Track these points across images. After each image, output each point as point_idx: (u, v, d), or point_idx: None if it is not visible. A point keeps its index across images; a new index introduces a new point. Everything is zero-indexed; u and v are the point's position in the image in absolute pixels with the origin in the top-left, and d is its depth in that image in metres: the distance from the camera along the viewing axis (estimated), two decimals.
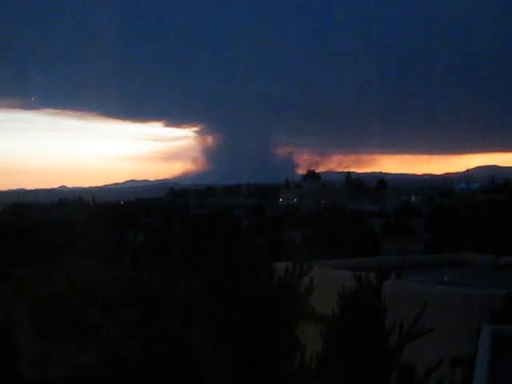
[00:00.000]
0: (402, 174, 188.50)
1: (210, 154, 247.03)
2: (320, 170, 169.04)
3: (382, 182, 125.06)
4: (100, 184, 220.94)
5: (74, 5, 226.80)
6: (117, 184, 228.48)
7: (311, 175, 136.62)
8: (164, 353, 11.81)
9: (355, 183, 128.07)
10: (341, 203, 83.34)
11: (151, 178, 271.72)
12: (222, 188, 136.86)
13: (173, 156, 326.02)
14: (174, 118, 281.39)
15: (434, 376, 11.53)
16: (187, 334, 11.97)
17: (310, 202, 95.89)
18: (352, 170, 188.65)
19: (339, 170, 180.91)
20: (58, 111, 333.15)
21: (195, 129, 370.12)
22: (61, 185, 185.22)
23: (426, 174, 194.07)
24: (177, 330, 12.00)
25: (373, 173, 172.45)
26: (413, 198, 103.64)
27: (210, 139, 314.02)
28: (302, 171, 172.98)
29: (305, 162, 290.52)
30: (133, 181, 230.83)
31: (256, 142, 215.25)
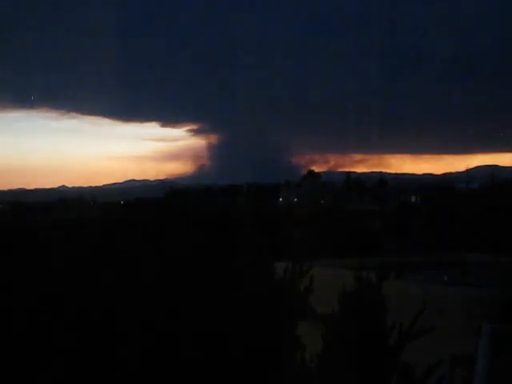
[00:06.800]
0: (402, 174, 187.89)
1: (210, 153, 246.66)
2: (320, 169, 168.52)
3: (382, 181, 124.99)
4: (100, 184, 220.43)
5: (71, 5, 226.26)
6: (117, 184, 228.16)
7: (311, 175, 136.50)
8: (161, 355, 11.82)
9: (355, 183, 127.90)
10: (341, 203, 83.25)
11: (151, 177, 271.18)
12: (222, 188, 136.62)
13: (172, 156, 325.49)
14: (173, 117, 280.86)
15: (433, 376, 11.54)
16: (186, 334, 11.99)
17: (310, 201, 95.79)
18: (352, 169, 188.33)
19: (339, 169, 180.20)
20: (58, 111, 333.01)
21: (195, 128, 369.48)
22: (61, 185, 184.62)
23: (425, 174, 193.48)
24: (174, 331, 12.01)
25: (373, 172, 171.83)
26: (413, 198, 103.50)
27: (209, 139, 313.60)
28: (302, 171, 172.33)
29: (305, 161, 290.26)
30: (133, 181, 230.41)
31: (256, 141, 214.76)
